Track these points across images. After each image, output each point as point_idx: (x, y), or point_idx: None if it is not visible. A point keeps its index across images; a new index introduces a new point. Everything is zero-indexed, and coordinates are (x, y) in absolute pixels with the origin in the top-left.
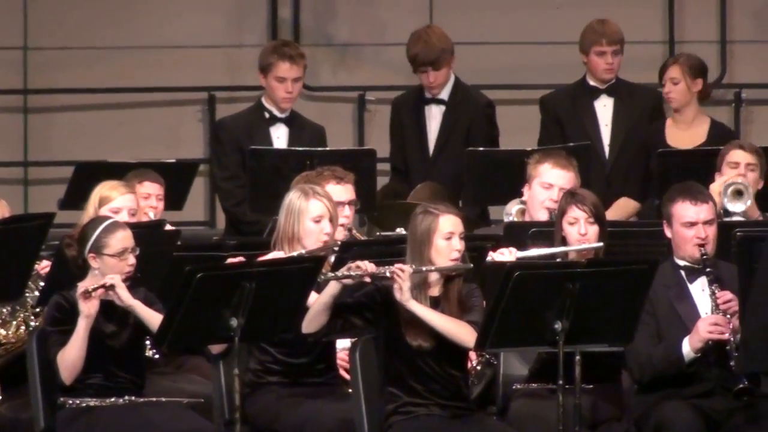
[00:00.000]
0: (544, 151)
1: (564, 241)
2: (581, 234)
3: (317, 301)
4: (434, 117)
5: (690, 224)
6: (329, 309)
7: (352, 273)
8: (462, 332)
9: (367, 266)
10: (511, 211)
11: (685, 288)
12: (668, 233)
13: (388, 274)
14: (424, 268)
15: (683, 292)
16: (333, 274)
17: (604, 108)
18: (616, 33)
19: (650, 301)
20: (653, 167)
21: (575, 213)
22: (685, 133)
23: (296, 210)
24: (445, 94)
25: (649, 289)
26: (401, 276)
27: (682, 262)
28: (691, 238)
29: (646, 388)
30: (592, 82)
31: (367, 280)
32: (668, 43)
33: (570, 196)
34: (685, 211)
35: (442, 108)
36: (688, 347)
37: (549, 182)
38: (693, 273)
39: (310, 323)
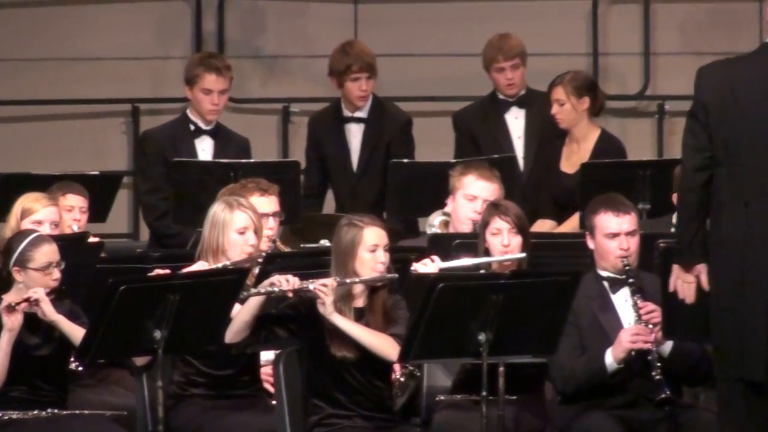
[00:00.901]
0: (468, 162)
1: (487, 253)
2: (504, 245)
3: (241, 313)
4: (355, 135)
5: (612, 235)
6: (253, 320)
7: (275, 288)
8: (385, 345)
9: (291, 281)
10: (434, 223)
11: (607, 299)
12: (591, 245)
13: (312, 288)
14: (348, 280)
15: (606, 303)
16: (256, 290)
17: (516, 120)
18: (513, 48)
19: (573, 312)
20: (551, 187)
21: (498, 224)
22: (577, 151)
23: (220, 222)
24: (364, 112)
25: (572, 300)
26: (325, 291)
27: (604, 273)
28: (614, 249)
29: (569, 399)
30: (501, 96)
31: (290, 295)
32: (592, 55)
33: (493, 208)
34: (608, 222)
35: (362, 126)
36: (610, 358)
37: (473, 194)
38: (616, 284)
39: (234, 334)
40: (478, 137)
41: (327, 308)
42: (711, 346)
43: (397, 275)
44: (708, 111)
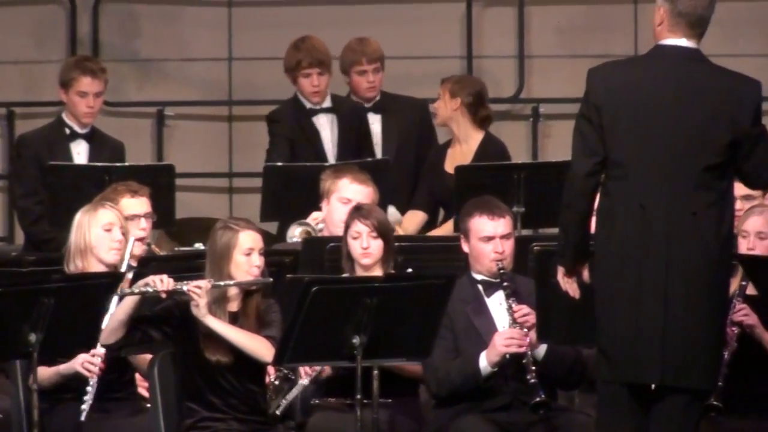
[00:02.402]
0: (342, 166)
1: (349, 256)
2: (363, 248)
3: (115, 313)
4: (324, 126)
5: (487, 239)
6: (128, 320)
7: (149, 288)
8: (258, 347)
9: (165, 281)
10: (295, 234)
11: (482, 302)
12: (465, 248)
13: (185, 290)
14: (222, 283)
15: (481, 307)
16: (130, 290)
17: (373, 126)
18: (376, 51)
19: (448, 315)
20: (434, 186)
21: (358, 227)
22: (460, 152)
23: (85, 221)
24: (327, 102)
25: (446, 303)
26: (198, 293)
27: (479, 277)
28: (489, 252)
29: (443, 402)
30: (356, 100)
31: (164, 296)
32: (466, 58)
33: (354, 211)
34: (483, 225)
35: (331, 116)
36: (485, 361)
37: (347, 197)
38: (490, 287)
39: (109, 335)
40: None
41: (200, 310)
42: (597, 348)
43: (271, 279)
44: (601, 113)
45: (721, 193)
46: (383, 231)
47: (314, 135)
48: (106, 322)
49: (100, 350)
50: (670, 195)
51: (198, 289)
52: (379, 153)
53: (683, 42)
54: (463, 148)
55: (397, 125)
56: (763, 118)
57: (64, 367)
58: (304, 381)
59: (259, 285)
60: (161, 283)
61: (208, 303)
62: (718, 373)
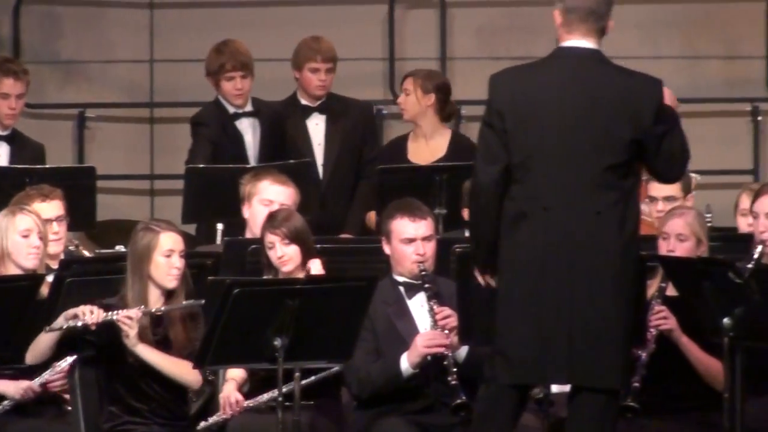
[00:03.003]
0: (261, 168)
1: (269, 265)
2: (279, 257)
3: (42, 341)
4: (246, 130)
5: (409, 240)
6: (55, 345)
7: (78, 322)
8: (185, 373)
9: (96, 313)
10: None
11: (404, 304)
12: (387, 250)
13: (115, 319)
14: (153, 309)
15: (402, 309)
16: (59, 326)
17: (317, 126)
18: (330, 50)
19: (369, 317)
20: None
21: (270, 238)
22: (426, 147)
23: (3, 227)
24: (249, 106)
25: (367, 305)
26: (129, 323)
27: (401, 279)
28: (410, 254)
29: (365, 404)
30: (303, 101)
31: (93, 328)
32: (389, 60)
33: (266, 221)
34: (404, 227)
35: (253, 120)
36: (406, 363)
37: (269, 199)
38: (412, 289)
39: (36, 358)
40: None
41: (131, 340)
42: (493, 351)
43: (203, 301)
44: (504, 118)
45: (624, 192)
46: (296, 236)
47: (237, 139)
48: (34, 344)
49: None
50: (572, 196)
51: (128, 320)
52: (321, 153)
53: (582, 43)
54: (430, 143)
55: (341, 126)
56: (687, 118)
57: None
58: (225, 415)
59: (191, 308)
60: (90, 314)
61: (137, 333)
62: (629, 372)
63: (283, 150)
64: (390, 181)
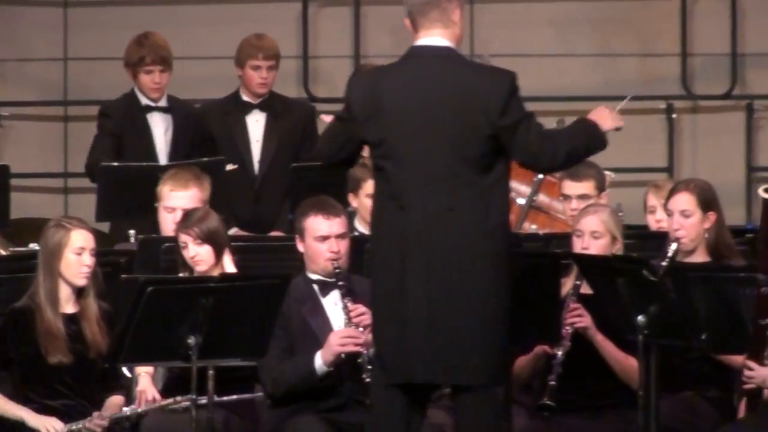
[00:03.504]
0: (169, 172)
1: (185, 264)
2: (191, 257)
3: None
4: (158, 124)
5: (322, 238)
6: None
7: None
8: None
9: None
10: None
11: (318, 302)
12: (301, 247)
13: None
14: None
15: (316, 306)
16: None
17: (256, 123)
18: (273, 48)
19: (283, 315)
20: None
21: (183, 238)
22: None
23: None
24: (164, 102)
25: (281, 303)
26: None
27: (315, 276)
28: (324, 252)
29: (279, 402)
30: (245, 97)
31: None
32: (302, 58)
33: (179, 222)
34: (318, 225)
35: (167, 116)
36: (320, 360)
37: (171, 206)
38: (326, 287)
39: None
40: (216, 137)
41: None
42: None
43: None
44: (359, 119)
45: (484, 187)
46: (209, 237)
47: (145, 131)
48: None
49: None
50: (428, 193)
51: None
52: (258, 150)
53: (433, 40)
54: None
55: (280, 125)
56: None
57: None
58: (139, 409)
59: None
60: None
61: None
62: (506, 367)
63: (212, 148)
64: (303, 179)
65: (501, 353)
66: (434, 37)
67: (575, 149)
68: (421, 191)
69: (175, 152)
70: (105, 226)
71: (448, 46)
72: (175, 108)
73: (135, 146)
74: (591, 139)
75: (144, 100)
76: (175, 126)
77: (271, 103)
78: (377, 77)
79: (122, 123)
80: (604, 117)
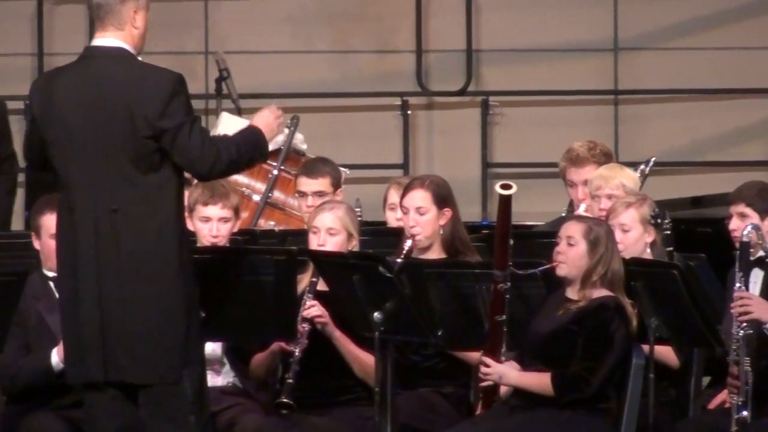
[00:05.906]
0: None
1: None
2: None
3: None
4: None
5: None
6: None
7: None
8: None
9: None
10: None
11: (53, 299)
12: (37, 245)
13: None
14: None
15: (52, 303)
16: None
17: None
18: None
19: (20, 312)
20: None
21: None
22: None
23: None
24: None
25: (18, 300)
26: None
27: (51, 273)
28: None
29: (16, 399)
30: None
31: None
32: (37, 55)
33: None
34: (53, 222)
35: None
36: (56, 357)
37: None
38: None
39: None
40: None
41: None
42: None
43: None
44: (39, 124)
45: (151, 188)
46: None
47: None
48: None
49: None
50: (95, 195)
51: None
52: None
53: (104, 41)
54: None
55: None
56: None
57: None
58: None
59: None
60: None
61: None
62: (182, 366)
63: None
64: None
65: (176, 351)
66: (107, 38)
67: (239, 159)
68: (88, 192)
69: None
70: None
71: (120, 46)
72: None
73: None
74: (256, 150)
75: None
76: None
77: None
78: (52, 78)
79: None
80: (269, 124)
